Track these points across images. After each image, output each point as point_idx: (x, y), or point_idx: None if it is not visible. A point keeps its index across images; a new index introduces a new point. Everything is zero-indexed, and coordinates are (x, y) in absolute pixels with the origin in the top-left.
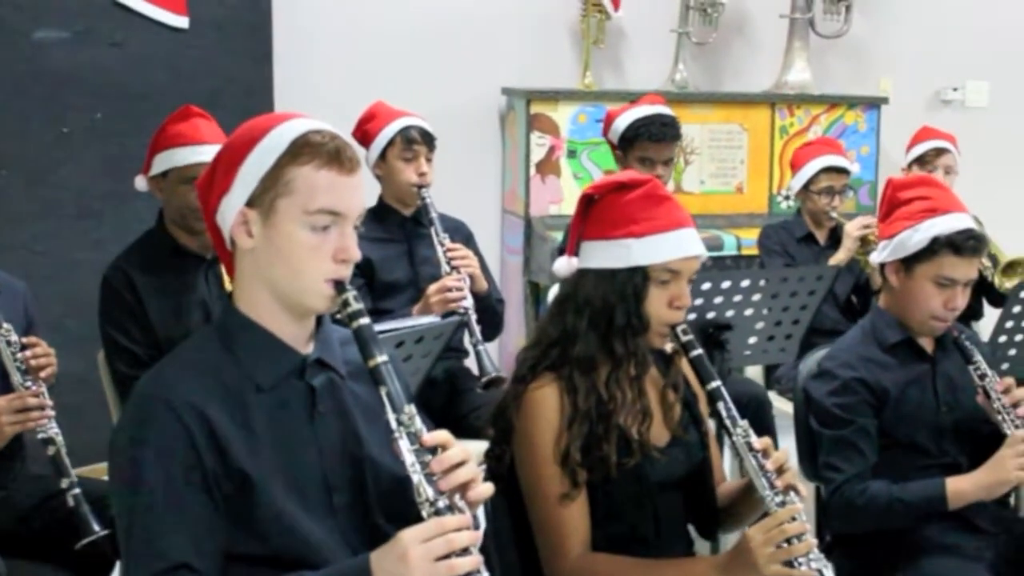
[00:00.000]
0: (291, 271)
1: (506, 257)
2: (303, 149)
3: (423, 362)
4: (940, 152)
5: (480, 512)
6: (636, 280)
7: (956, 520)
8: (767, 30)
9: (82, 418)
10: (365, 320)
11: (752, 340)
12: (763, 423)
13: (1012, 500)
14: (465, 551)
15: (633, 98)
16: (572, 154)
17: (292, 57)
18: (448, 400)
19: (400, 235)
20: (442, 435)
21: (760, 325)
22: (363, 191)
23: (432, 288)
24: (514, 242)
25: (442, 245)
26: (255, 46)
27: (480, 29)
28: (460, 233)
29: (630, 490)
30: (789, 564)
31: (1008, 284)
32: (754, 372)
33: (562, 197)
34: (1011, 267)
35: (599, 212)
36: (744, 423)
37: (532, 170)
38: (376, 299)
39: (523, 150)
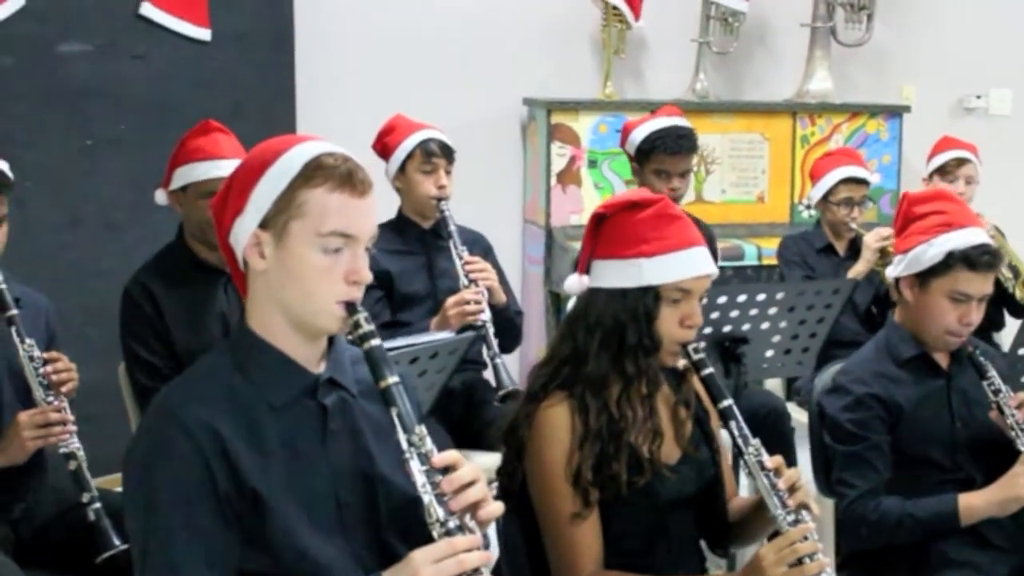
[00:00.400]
0: (303, 293)
1: (527, 267)
2: (316, 172)
3: (438, 377)
4: (961, 162)
5: (491, 531)
6: (647, 299)
7: (970, 536)
8: (788, 39)
9: (104, 428)
10: (376, 341)
11: (769, 353)
12: (781, 435)
13: None
14: (476, 571)
15: (653, 108)
16: (593, 164)
17: (314, 69)
18: (466, 412)
19: (419, 247)
20: (452, 455)
21: (777, 338)
22: (375, 213)
23: (450, 301)
24: (535, 252)
25: (460, 258)
26: (277, 57)
27: (501, 39)
28: (479, 245)
29: (641, 508)
30: None
31: None
32: (774, 383)
33: (583, 207)
34: None
35: (610, 231)
36: (756, 441)
37: (553, 180)
38: (395, 311)
39: (544, 160)
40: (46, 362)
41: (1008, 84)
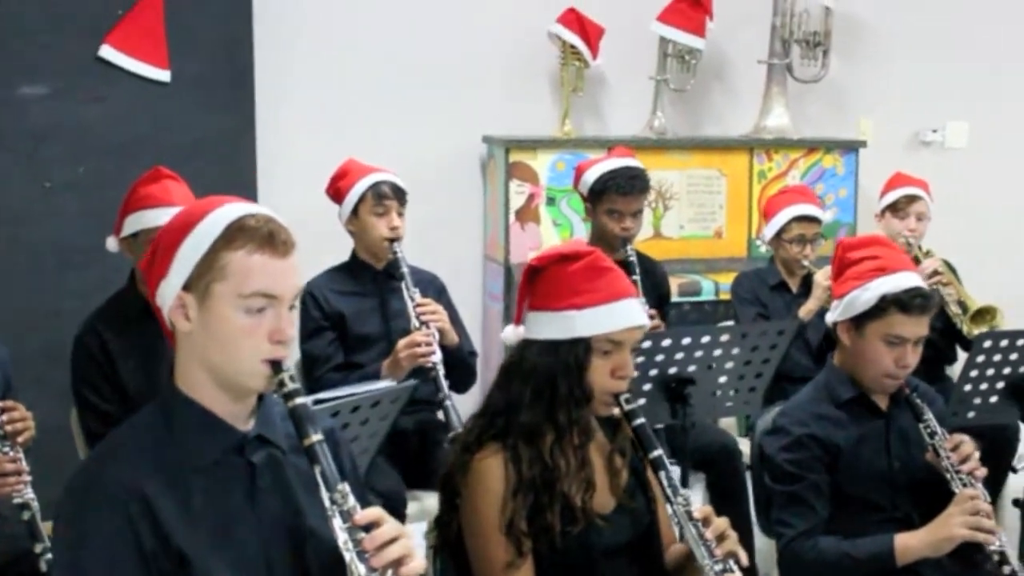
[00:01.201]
0: (228, 353)
1: (488, 304)
2: (237, 234)
3: (381, 424)
4: (912, 199)
5: None
6: (579, 351)
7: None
8: (745, 76)
9: (63, 468)
10: (301, 400)
11: (716, 393)
12: (734, 472)
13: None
14: None
15: (611, 145)
16: (551, 201)
17: (275, 110)
18: (420, 452)
19: (372, 289)
20: (375, 513)
21: (723, 379)
22: (298, 272)
23: (401, 343)
24: (495, 289)
25: (412, 300)
26: (237, 99)
27: (461, 79)
28: (433, 286)
29: (575, 558)
30: None
31: (976, 331)
32: (729, 421)
33: (541, 244)
34: (979, 315)
35: (543, 283)
36: (685, 492)
37: (512, 217)
38: (348, 352)
39: (502, 198)
40: (2, 411)
41: (964, 117)
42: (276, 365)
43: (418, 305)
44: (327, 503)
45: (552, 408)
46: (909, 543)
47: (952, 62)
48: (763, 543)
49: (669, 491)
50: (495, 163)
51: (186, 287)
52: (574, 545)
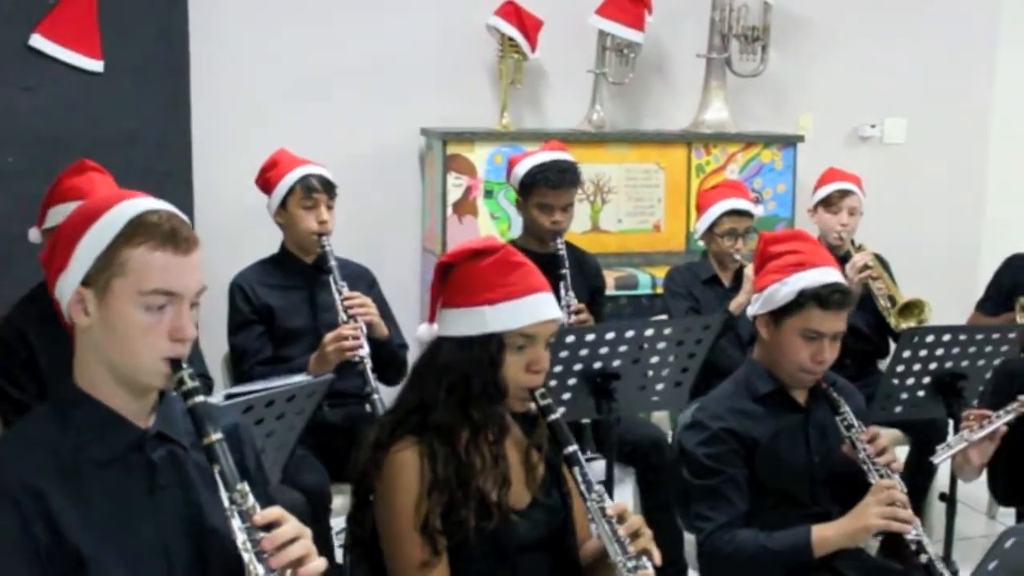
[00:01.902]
0: (126, 351)
1: (426, 296)
2: (138, 230)
3: (297, 419)
4: (844, 194)
5: None
6: (491, 347)
7: (827, 572)
8: (684, 70)
9: None
10: (200, 398)
11: (643, 388)
12: (662, 466)
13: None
14: None
15: (549, 138)
16: (489, 194)
17: (211, 101)
18: (346, 446)
19: (301, 282)
20: (275, 512)
21: (649, 373)
22: (199, 270)
23: (328, 337)
24: None
25: (340, 293)
26: (173, 89)
27: (400, 71)
28: (363, 279)
29: (490, 554)
30: None
31: (904, 325)
32: (662, 415)
33: (479, 236)
34: (907, 308)
35: (455, 280)
36: (599, 488)
37: (449, 210)
38: (277, 346)
39: (440, 190)
40: None
41: (902, 113)
42: (176, 363)
43: (346, 299)
44: (226, 503)
45: (466, 405)
46: (825, 534)
47: (890, 58)
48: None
49: (583, 487)
50: (433, 155)
51: (85, 282)
52: (489, 541)
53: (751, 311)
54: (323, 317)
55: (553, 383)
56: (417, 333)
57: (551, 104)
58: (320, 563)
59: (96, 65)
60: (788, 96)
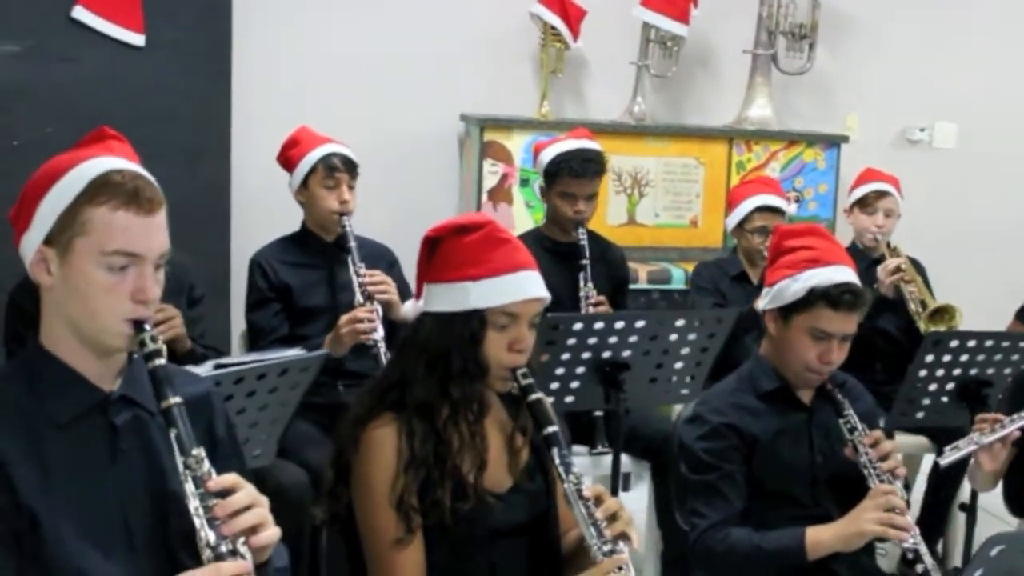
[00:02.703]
0: (88, 311)
1: None
2: (101, 189)
3: (292, 394)
4: (881, 195)
5: (283, 553)
6: (473, 324)
7: (822, 573)
8: (729, 65)
9: None
10: (161, 360)
11: (652, 381)
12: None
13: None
14: None
15: (588, 129)
16: (525, 183)
17: (252, 79)
18: None
19: (321, 261)
20: (230, 479)
21: (660, 366)
22: (164, 231)
23: (343, 319)
24: None
25: (358, 274)
26: (214, 66)
27: (443, 56)
28: (384, 259)
29: (466, 536)
30: None
31: (933, 330)
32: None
33: (514, 225)
34: (937, 314)
35: (440, 255)
36: (577, 470)
37: (484, 197)
38: (294, 324)
39: (476, 177)
40: None
41: (953, 118)
42: (138, 324)
43: (363, 277)
44: (180, 468)
45: (446, 382)
46: (820, 537)
47: (942, 60)
48: None
49: (561, 469)
50: (471, 142)
51: (48, 241)
52: (465, 523)
53: (761, 305)
54: (341, 296)
55: (561, 371)
56: (402, 310)
57: (592, 95)
58: (274, 532)
59: (138, 39)
60: (835, 95)
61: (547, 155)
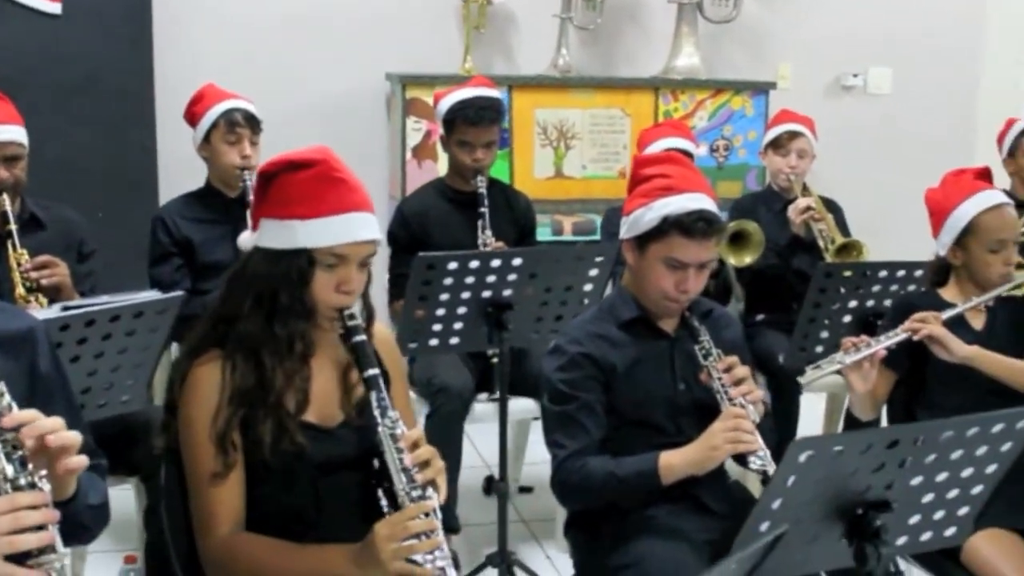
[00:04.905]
0: None
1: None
2: None
3: (152, 337)
4: (793, 136)
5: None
6: (301, 263)
7: (689, 501)
8: (656, 16)
9: None
10: None
11: (538, 320)
12: None
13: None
14: (40, 528)
15: (511, 83)
16: None
17: (174, 44)
18: None
19: (223, 216)
20: (25, 414)
21: (545, 304)
22: None
23: None
24: None
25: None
26: (134, 33)
27: (367, 15)
28: None
29: (287, 471)
30: (414, 561)
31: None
32: None
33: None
34: (844, 250)
35: (274, 190)
36: (395, 414)
37: (409, 154)
38: (197, 280)
39: (400, 135)
40: None
41: (888, 63)
42: None
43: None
44: None
45: (272, 319)
46: (672, 461)
47: (875, 5)
48: None
49: (378, 412)
50: (396, 100)
51: None
52: (287, 459)
53: (621, 235)
54: (244, 252)
55: (442, 312)
56: (239, 240)
57: (518, 49)
58: (80, 460)
59: (54, 7)
60: (766, 44)
61: (445, 104)
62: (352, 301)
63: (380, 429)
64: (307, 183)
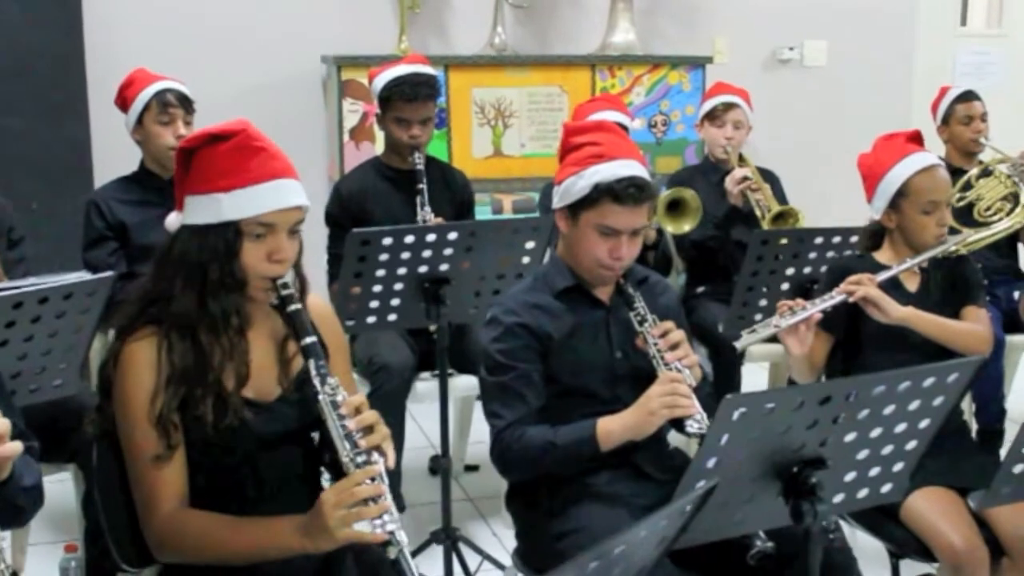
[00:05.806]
0: None
1: None
2: None
3: (84, 318)
4: (728, 107)
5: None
6: (228, 235)
7: (628, 468)
8: None
9: None
10: None
11: (477, 294)
12: None
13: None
14: None
15: (447, 63)
16: None
17: (105, 29)
18: None
19: (158, 198)
20: None
21: (482, 278)
22: None
23: None
24: None
25: None
26: (64, 18)
27: None
28: None
29: (229, 449)
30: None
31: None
32: None
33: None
34: (780, 218)
35: (195, 166)
36: (334, 380)
37: (346, 136)
38: (131, 262)
39: (337, 117)
40: None
41: (823, 35)
42: None
43: None
44: None
45: (204, 296)
46: (610, 427)
47: None
48: None
49: (317, 380)
50: (331, 82)
51: None
52: (226, 435)
53: (553, 205)
54: None
55: (378, 288)
56: (166, 223)
57: (454, 29)
58: (15, 446)
59: None
60: (701, 19)
61: (380, 81)
62: (284, 270)
63: (320, 397)
64: (227, 155)
